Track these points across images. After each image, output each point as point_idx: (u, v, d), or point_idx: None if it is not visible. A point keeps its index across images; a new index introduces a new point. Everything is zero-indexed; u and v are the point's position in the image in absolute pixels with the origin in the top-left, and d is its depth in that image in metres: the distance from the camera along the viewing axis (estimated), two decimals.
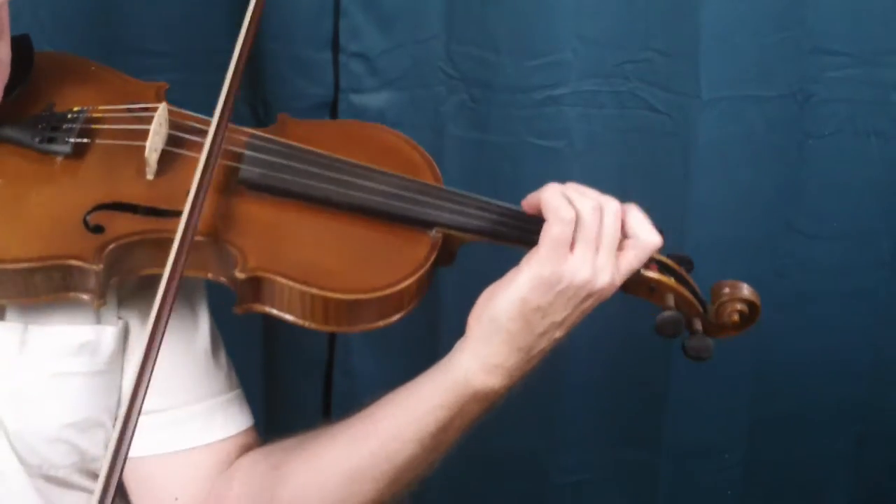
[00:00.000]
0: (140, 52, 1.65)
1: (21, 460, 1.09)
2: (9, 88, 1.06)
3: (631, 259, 1.06)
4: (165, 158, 1.07)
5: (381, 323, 1.06)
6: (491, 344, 1.04)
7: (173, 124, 1.10)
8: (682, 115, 1.75)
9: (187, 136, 1.09)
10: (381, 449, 1.07)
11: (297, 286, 1.02)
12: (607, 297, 1.06)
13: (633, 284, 1.09)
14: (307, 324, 1.04)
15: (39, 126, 1.07)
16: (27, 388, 1.08)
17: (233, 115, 1.11)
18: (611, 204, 1.06)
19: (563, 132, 1.76)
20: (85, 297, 1.01)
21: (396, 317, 1.07)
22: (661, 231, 1.10)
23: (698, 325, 1.13)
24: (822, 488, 2.09)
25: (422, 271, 1.06)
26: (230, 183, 1.07)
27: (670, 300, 1.11)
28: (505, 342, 1.04)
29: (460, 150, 1.75)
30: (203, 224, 1.02)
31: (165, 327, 0.93)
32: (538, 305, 1.03)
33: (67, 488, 1.13)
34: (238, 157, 1.08)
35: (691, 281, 1.13)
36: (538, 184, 1.08)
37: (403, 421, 1.06)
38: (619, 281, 1.06)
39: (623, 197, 1.09)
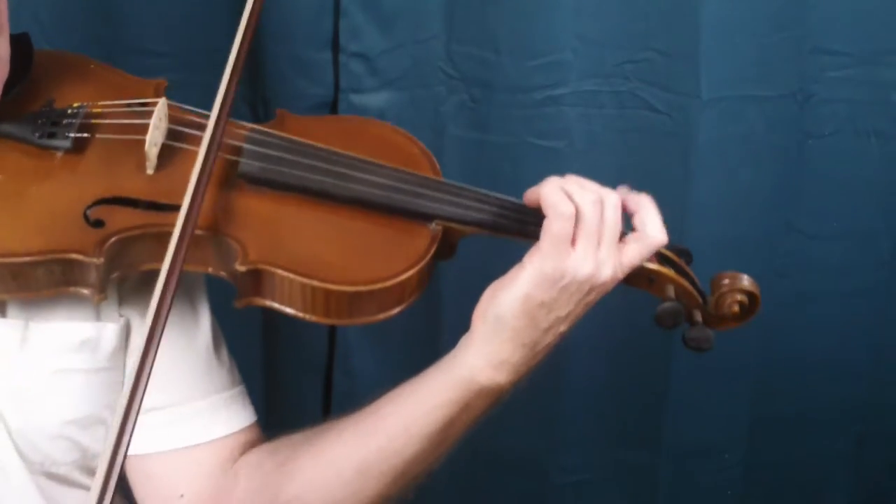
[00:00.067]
0: (140, 52, 1.65)
1: (22, 457, 1.09)
2: (8, 86, 1.06)
3: (633, 254, 1.06)
4: (165, 153, 1.07)
5: (381, 316, 1.07)
6: (496, 341, 1.04)
7: (173, 119, 1.10)
8: (682, 115, 1.75)
9: (187, 130, 1.09)
10: (389, 444, 1.07)
11: (298, 278, 1.02)
12: (610, 289, 1.06)
13: (633, 275, 1.09)
14: (308, 317, 1.05)
15: (39, 122, 1.07)
16: (28, 384, 1.08)
17: (232, 113, 1.11)
18: (610, 196, 1.05)
19: (563, 132, 1.76)
20: (85, 291, 1.01)
21: (397, 310, 1.07)
22: None
23: (698, 316, 1.13)
24: (822, 488, 2.09)
25: (422, 263, 1.06)
26: (230, 177, 1.08)
27: (670, 291, 1.11)
28: (510, 339, 1.04)
29: (460, 150, 1.75)
30: (203, 218, 1.02)
31: (165, 321, 0.93)
32: (542, 301, 1.03)
33: (68, 486, 1.13)
34: (238, 151, 1.09)
35: (691, 272, 1.14)
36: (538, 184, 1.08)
37: (410, 417, 1.06)
38: (621, 274, 1.06)
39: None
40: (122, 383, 1.11)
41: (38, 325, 1.07)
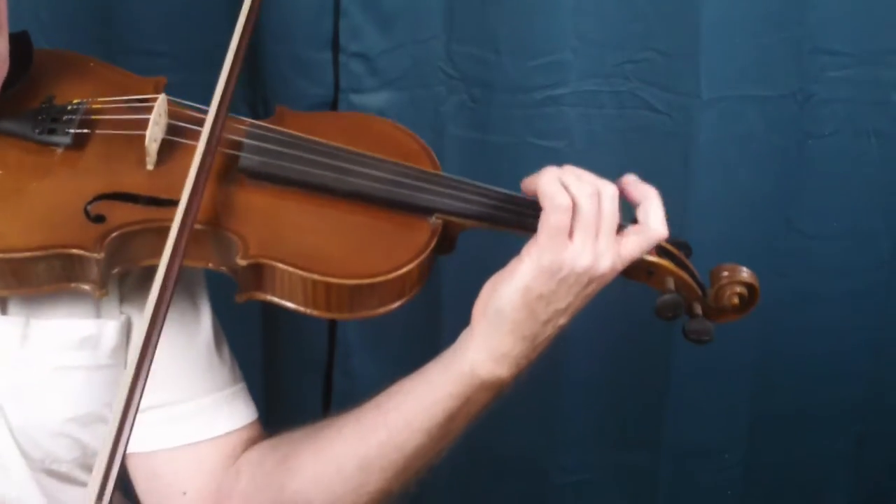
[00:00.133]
0: (140, 52, 1.65)
1: (23, 454, 1.09)
2: (8, 84, 1.06)
3: (633, 246, 1.06)
4: (165, 148, 1.08)
5: (381, 310, 1.07)
6: (496, 334, 1.05)
7: (173, 114, 1.11)
8: (682, 115, 1.75)
9: (186, 125, 1.09)
10: (390, 439, 1.07)
11: (299, 272, 1.02)
12: (609, 282, 1.06)
13: (633, 268, 1.10)
14: (309, 311, 1.05)
15: (39, 118, 1.07)
16: (29, 381, 1.08)
17: (233, 113, 1.11)
18: (607, 188, 1.05)
19: (563, 132, 1.76)
20: (86, 287, 1.02)
21: (398, 303, 1.08)
22: None
23: (698, 308, 1.13)
24: (822, 488, 2.09)
25: (422, 257, 1.07)
26: (230, 172, 1.08)
27: (670, 284, 1.11)
28: (510, 332, 1.04)
29: (460, 150, 1.75)
30: (204, 213, 1.02)
31: (165, 315, 0.94)
32: (541, 294, 1.03)
33: (69, 483, 1.13)
34: (238, 146, 1.09)
35: (690, 265, 1.14)
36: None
37: (411, 411, 1.07)
38: (620, 266, 1.06)
39: (623, 196, 1.09)
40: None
41: (38, 322, 1.07)
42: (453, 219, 1.10)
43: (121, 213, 1.03)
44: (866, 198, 1.87)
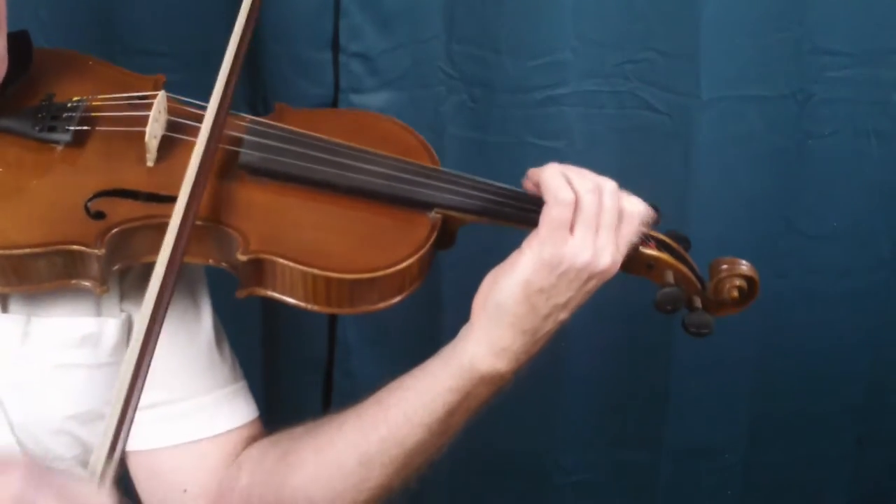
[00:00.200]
0: (140, 52, 1.65)
1: (24, 452, 1.09)
2: (7, 82, 1.07)
3: (625, 233, 1.07)
4: (165, 145, 1.08)
5: (381, 305, 1.07)
6: (496, 328, 1.05)
7: (172, 111, 1.11)
8: (682, 115, 1.75)
9: (186, 122, 1.10)
10: (391, 435, 1.07)
11: (299, 267, 1.03)
12: (610, 278, 1.07)
13: (632, 262, 1.11)
14: (309, 306, 1.05)
15: (39, 116, 1.08)
16: (30, 379, 1.08)
17: (233, 112, 1.12)
18: (608, 184, 1.06)
19: (563, 132, 1.76)
20: (87, 283, 1.02)
21: (398, 298, 1.08)
22: (655, 207, 1.11)
23: (698, 302, 1.14)
24: (822, 488, 2.09)
25: (422, 251, 1.07)
26: (231, 168, 1.09)
27: (669, 277, 1.12)
28: (510, 325, 1.05)
29: (460, 150, 1.75)
30: (204, 209, 1.03)
31: (166, 310, 0.94)
32: (541, 288, 1.03)
33: None
34: (238, 142, 1.09)
35: (689, 258, 1.14)
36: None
37: (412, 407, 1.07)
38: (619, 258, 1.06)
39: None
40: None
41: (39, 319, 1.08)
42: (453, 213, 1.11)
43: (121, 210, 1.03)
44: (866, 198, 1.87)
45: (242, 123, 1.12)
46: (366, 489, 1.09)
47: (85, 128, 1.08)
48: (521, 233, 1.08)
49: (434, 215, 1.10)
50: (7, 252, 0.99)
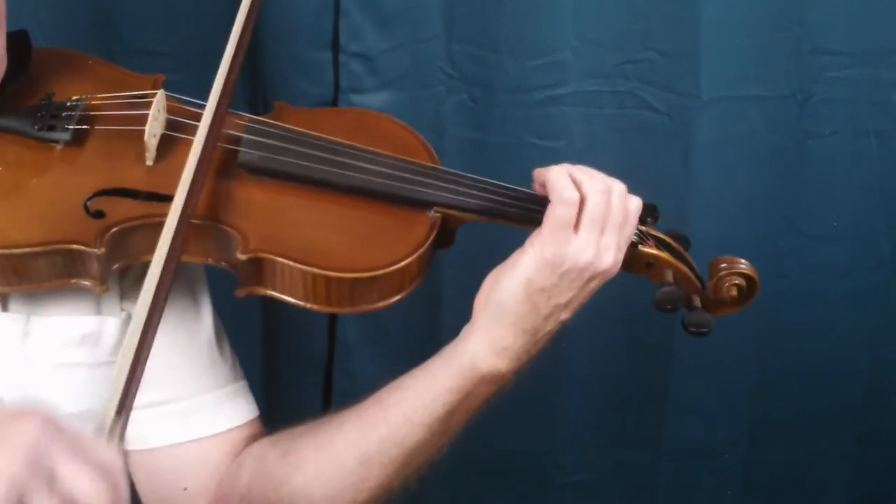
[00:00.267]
0: (140, 51, 1.65)
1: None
2: (7, 82, 1.07)
3: (627, 234, 1.07)
4: (164, 144, 1.08)
5: (381, 304, 1.07)
6: (498, 327, 1.05)
7: (171, 110, 1.11)
8: (682, 115, 1.75)
9: (185, 121, 1.10)
10: (391, 434, 1.07)
11: (299, 266, 1.03)
12: (611, 278, 1.07)
13: (632, 261, 1.11)
14: (309, 305, 1.05)
15: (39, 115, 1.08)
16: (30, 378, 1.08)
17: (232, 111, 1.12)
18: (617, 186, 1.06)
19: (563, 132, 1.76)
20: (87, 282, 1.02)
21: (397, 297, 1.08)
22: (655, 207, 1.12)
23: (697, 301, 1.14)
24: (822, 488, 2.10)
25: (422, 250, 1.07)
26: (230, 167, 1.09)
27: (669, 276, 1.13)
28: (511, 324, 1.05)
29: (460, 150, 1.75)
30: (203, 208, 1.03)
31: (164, 303, 0.94)
32: (542, 287, 1.04)
33: None
34: (237, 141, 1.10)
35: (688, 257, 1.15)
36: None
37: (412, 406, 1.07)
38: (621, 259, 1.06)
39: None
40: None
41: (39, 319, 1.07)
42: (452, 212, 1.11)
43: (121, 209, 1.03)
44: (866, 198, 1.87)
45: (242, 122, 1.12)
46: (365, 489, 1.09)
47: (84, 127, 1.08)
48: (521, 232, 1.08)
49: (433, 214, 1.10)
50: (7, 251, 0.99)
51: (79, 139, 1.07)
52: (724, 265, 1.14)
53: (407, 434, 1.07)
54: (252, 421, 1.17)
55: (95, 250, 0.99)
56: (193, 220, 1.02)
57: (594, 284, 1.06)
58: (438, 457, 1.10)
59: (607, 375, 1.93)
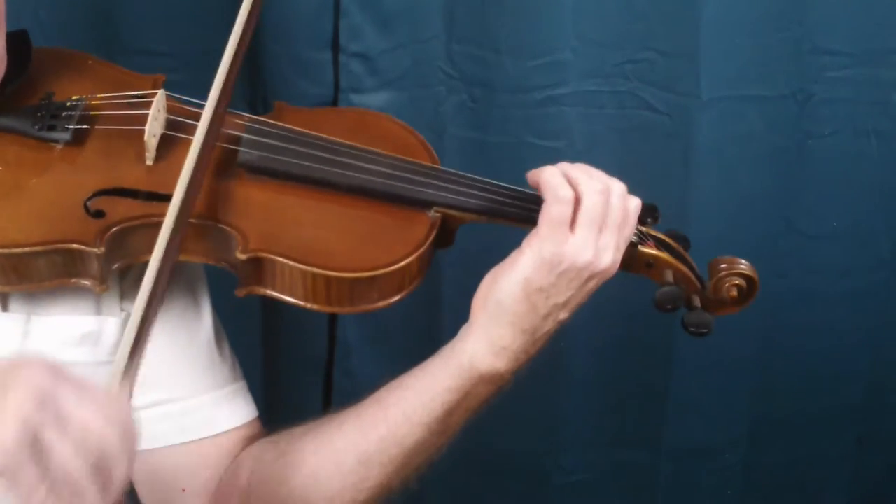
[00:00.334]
0: (140, 51, 1.65)
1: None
2: (7, 82, 1.07)
3: (626, 234, 1.07)
4: (164, 144, 1.08)
5: (381, 303, 1.07)
6: (496, 327, 1.05)
7: (171, 110, 1.11)
8: (682, 115, 1.75)
9: (185, 120, 1.10)
10: (390, 434, 1.07)
11: (299, 266, 1.03)
12: (610, 277, 1.07)
13: (632, 261, 1.11)
14: (309, 305, 1.05)
15: (39, 114, 1.07)
16: None
17: (232, 111, 1.12)
18: (617, 185, 1.06)
19: (563, 132, 1.76)
20: (87, 282, 1.02)
21: (398, 297, 1.08)
22: (655, 207, 1.12)
23: (697, 301, 1.14)
24: (822, 488, 2.10)
25: (422, 250, 1.07)
26: (230, 166, 1.09)
27: (668, 276, 1.13)
28: (510, 324, 1.05)
29: (460, 150, 1.75)
30: (203, 207, 1.03)
31: (162, 294, 0.94)
32: (541, 286, 1.03)
33: None
34: (237, 141, 1.10)
35: (688, 257, 1.15)
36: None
37: (411, 406, 1.07)
38: (619, 259, 1.06)
39: None
40: None
41: (39, 318, 1.07)
42: (452, 212, 1.11)
43: (120, 209, 1.03)
44: (866, 198, 1.87)
45: (241, 122, 1.12)
46: (365, 489, 1.09)
47: (84, 126, 1.08)
48: (521, 232, 1.08)
49: (433, 214, 1.10)
50: (7, 251, 0.99)
51: (79, 139, 1.07)
52: (723, 265, 1.14)
53: (406, 433, 1.07)
54: (251, 422, 1.17)
55: (95, 250, 1.00)
56: (193, 220, 1.02)
57: (593, 284, 1.06)
58: (438, 457, 1.10)
59: (607, 375, 1.93)
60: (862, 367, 1.99)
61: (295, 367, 1.90)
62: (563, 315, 1.06)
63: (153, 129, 1.07)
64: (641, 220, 1.11)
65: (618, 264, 1.06)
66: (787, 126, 1.79)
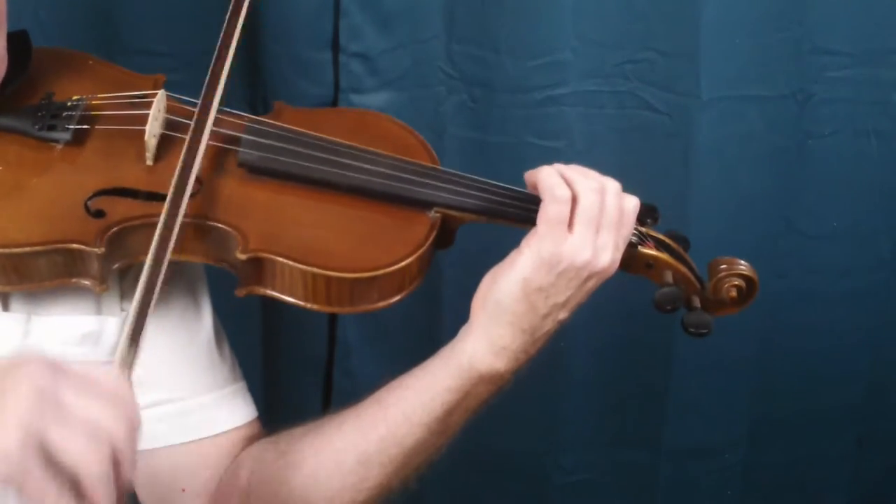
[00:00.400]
0: (140, 51, 1.65)
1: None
2: (7, 82, 1.07)
3: (624, 233, 1.07)
4: (164, 144, 1.08)
5: (381, 304, 1.08)
6: (495, 326, 1.05)
7: (171, 110, 1.11)
8: (682, 115, 1.75)
9: (185, 121, 1.10)
10: (390, 434, 1.07)
11: (299, 266, 1.03)
12: (609, 277, 1.07)
13: (632, 261, 1.11)
14: (309, 305, 1.05)
15: (39, 114, 1.08)
16: None
17: (232, 111, 1.12)
18: (612, 184, 1.06)
19: (563, 132, 1.76)
20: (87, 282, 1.02)
21: (398, 297, 1.08)
22: (655, 207, 1.12)
23: (696, 301, 1.14)
24: (822, 488, 2.09)
25: (421, 250, 1.07)
26: (229, 166, 1.09)
27: (668, 277, 1.13)
28: (509, 324, 1.05)
29: (460, 150, 1.75)
30: (203, 207, 1.03)
31: (158, 288, 0.94)
32: (540, 286, 1.03)
33: None
34: (237, 141, 1.10)
35: (688, 258, 1.15)
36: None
37: (411, 406, 1.07)
38: (618, 258, 1.06)
39: None
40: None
41: (40, 318, 1.07)
42: (452, 213, 1.11)
43: (120, 209, 1.03)
44: (866, 198, 1.87)
45: (241, 122, 1.12)
46: (365, 489, 1.09)
47: (84, 126, 1.08)
48: (521, 232, 1.08)
49: (433, 214, 1.10)
50: (7, 251, 0.99)
51: (79, 139, 1.07)
52: (723, 266, 1.14)
53: (406, 433, 1.07)
54: (251, 422, 1.17)
55: (95, 249, 1.00)
56: (193, 220, 1.02)
57: (592, 284, 1.06)
58: (437, 457, 1.10)
59: (607, 375, 1.93)
60: (862, 367, 1.99)
61: (295, 367, 1.90)
62: (562, 315, 1.06)
63: (153, 129, 1.07)
64: (641, 220, 1.11)
65: (617, 263, 1.06)
66: (787, 126, 1.79)
